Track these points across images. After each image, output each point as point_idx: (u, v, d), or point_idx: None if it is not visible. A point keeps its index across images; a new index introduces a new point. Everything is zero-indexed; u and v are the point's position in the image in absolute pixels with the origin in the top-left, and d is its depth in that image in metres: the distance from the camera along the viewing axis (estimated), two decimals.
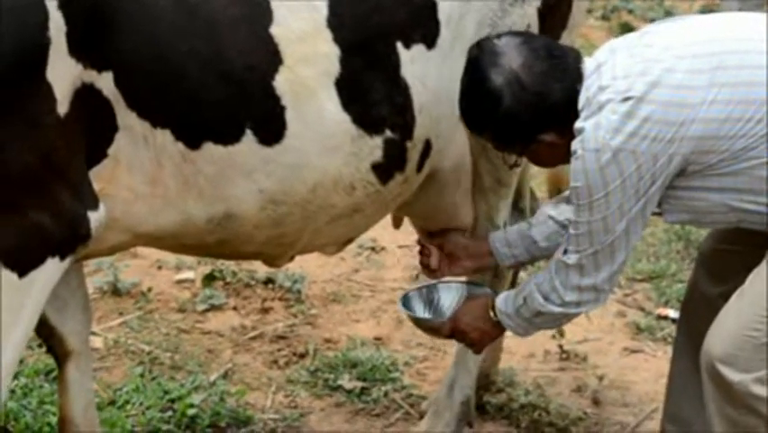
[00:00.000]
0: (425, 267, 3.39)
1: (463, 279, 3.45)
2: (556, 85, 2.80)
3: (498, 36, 2.90)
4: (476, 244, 3.36)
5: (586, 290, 2.88)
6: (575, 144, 2.74)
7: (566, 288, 2.88)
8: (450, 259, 3.35)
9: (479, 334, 3.13)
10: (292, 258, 3.26)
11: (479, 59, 2.86)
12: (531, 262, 3.35)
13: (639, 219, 2.79)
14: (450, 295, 3.33)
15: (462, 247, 3.35)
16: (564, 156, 2.83)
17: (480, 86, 2.84)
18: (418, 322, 3.31)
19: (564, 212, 3.14)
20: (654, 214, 2.88)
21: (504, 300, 3.04)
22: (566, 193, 3.17)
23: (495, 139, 2.95)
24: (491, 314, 3.05)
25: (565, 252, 2.87)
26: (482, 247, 3.30)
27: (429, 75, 3.01)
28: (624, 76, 2.72)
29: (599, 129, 2.69)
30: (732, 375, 2.76)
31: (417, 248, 3.47)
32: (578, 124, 2.75)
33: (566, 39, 3.40)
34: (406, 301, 3.32)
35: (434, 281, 3.40)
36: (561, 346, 4.31)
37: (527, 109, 2.80)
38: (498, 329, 3.10)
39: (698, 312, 3.16)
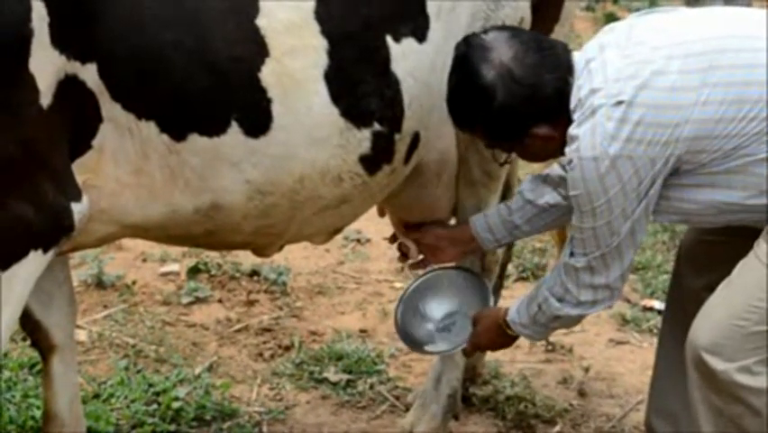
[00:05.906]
0: (404, 261, 3.42)
1: (452, 264, 3.45)
2: (548, 76, 2.77)
3: (485, 31, 2.87)
4: (458, 230, 3.39)
5: (600, 289, 2.88)
6: (570, 153, 2.72)
7: (579, 288, 2.88)
8: (434, 250, 3.37)
9: (497, 347, 3.29)
10: (281, 247, 3.25)
11: (467, 55, 2.82)
12: (513, 241, 3.36)
13: (643, 219, 2.78)
14: (433, 298, 3.39)
15: (445, 237, 3.37)
16: (555, 150, 2.82)
17: (471, 82, 2.80)
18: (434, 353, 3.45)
19: (543, 195, 3.14)
20: None
21: (516, 312, 3.05)
22: (543, 172, 3.18)
23: (487, 135, 2.93)
24: (506, 329, 3.09)
25: (572, 254, 2.86)
26: (465, 233, 3.32)
27: (420, 68, 2.99)
28: (615, 79, 2.68)
29: (595, 136, 2.66)
30: (717, 364, 2.76)
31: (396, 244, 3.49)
32: (572, 131, 2.72)
33: (559, 32, 3.39)
34: (406, 332, 3.36)
35: (415, 279, 3.43)
36: (546, 338, 4.31)
37: (521, 102, 2.77)
38: (513, 338, 3.15)
39: (682, 305, 3.15)
